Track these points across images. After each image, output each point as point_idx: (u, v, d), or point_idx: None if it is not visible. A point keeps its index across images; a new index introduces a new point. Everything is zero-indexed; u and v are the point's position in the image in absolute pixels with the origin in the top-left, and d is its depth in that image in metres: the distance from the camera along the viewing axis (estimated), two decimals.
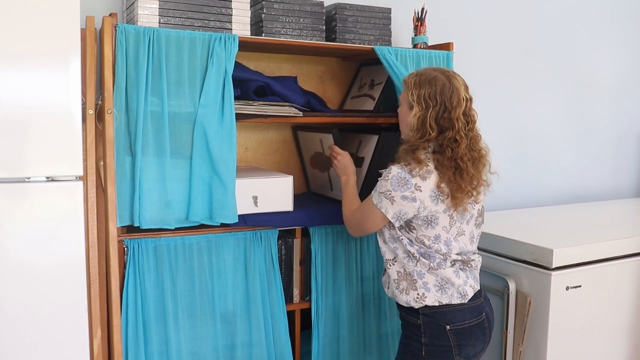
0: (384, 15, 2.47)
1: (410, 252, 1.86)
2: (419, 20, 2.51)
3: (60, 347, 1.66)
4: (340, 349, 2.35)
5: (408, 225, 1.86)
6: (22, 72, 1.55)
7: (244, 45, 2.17)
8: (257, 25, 2.26)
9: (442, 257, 1.84)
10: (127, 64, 1.90)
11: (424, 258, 1.85)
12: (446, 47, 2.47)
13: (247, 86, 2.20)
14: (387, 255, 1.93)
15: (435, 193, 1.80)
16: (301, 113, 2.22)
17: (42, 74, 1.57)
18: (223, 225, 2.09)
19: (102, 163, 1.91)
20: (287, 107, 2.19)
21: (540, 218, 3.08)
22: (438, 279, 1.85)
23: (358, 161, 2.36)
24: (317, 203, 2.43)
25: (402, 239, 1.87)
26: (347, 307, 2.35)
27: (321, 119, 2.32)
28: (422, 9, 2.51)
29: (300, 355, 2.38)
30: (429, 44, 2.53)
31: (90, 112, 1.85)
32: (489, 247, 2.56)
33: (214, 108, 2.01)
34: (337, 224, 2.31)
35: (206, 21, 2.09)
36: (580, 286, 2.41)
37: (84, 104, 1.78)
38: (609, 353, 2.60)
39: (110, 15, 2.00)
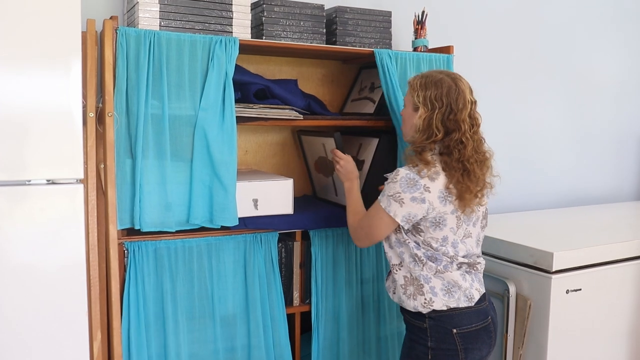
0: (384, 19, 2.47)
1: (417, 256, 1.84)
2: (419, 24, 2.52)
3: (60, 350, 1.66)
4: (340, 352, 2.35)
5: (415, 228, 1.84)
6: (23, 75, 1.56)
7: (245, 48, 2.17)
8: (257, 28, 2.27)
9: (448, 260, 1.83)
10: (127, 66, 1.91)
11: (431, 261, 1.83)
12: (446, 50, 2.48)
13: (247, 89, 2.20)
14: (394, 260, 1.92)
15: (443, 194, 1.79)
16: (301, 116, 2.22)
17: (43, 76, 1.57)
18: (223, 228, 2.09)
19: (102, 166, 1.91)
20: (287, 110, 2.19)
21: (541, 221, 3.08)
22: (445, 283, 1.84)
23: (358, 164, 2.35)
24: (317, 206, 2.43)
25: (409, 243, 1.86)
26: (347, 310, 2.35)
27: (321, 122, 2.32)
28: (423, 12, 2.52)
29: (300, 358, 2.38)
30: (429, 47, 2.53)
31: (91, 114, 1.85)
32: (490, 250, 2.55)
33: (214, 111, 2.01)
34: (337, 226, 2.31)
35: (207, 24, 2.09)
36: (580, 289, 2.41)
37: (84, 107, 1.78)
38: (609, 356, 2.59)
39: (111, 18, 2.01)
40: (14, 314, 1.60)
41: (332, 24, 2.42)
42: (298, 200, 2.43)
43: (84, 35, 1.80)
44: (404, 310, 1.95)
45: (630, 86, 3.78)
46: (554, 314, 2.34)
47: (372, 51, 2.30)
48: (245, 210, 2.13)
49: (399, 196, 1.79)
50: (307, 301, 2.34)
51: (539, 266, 2.37)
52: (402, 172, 1.81)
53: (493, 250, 2.55)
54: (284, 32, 2.26)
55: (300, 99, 2.33)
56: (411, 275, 1.87)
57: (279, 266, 2.23)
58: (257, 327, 2.17)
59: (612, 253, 2.52)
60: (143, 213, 1.96)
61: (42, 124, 1.58)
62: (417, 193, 1.78)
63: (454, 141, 1.81)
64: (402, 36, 2.78)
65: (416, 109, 1.86)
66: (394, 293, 1.96)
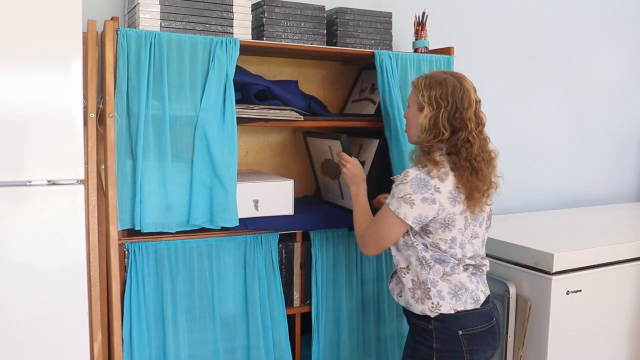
0: (385, 20, 2.47)
1: (425, 259, 1.82)
2: (420, 25, 2.52)
3: (61, 351, 1.66)
4: (340, 353, 2.35)
5: (424, 230, 1.82)
6: (24, 76, 1.56)
7: (245, 49, 2.17)
8: (258, 29, 2.27)
9: (456, 262, 1.82)
10: (128, 67, 1.91)
11: (438, 264, 1.82)
12: (447, 51, 2.48)
13: (248, 90, 2.21)
14: (401, 264, 1.90)
15: (452, 195, 1.78)
16: (302, 117, 2.22)
17: (44, 77, 1.57)
18: (224, 228, 2.09)
19: (103, 167, 1.91)
20: (287, 111, 2.20)
21: (541, 222, 3.08)
22: (451, 286, 1.82)
23: None
24: (317, 207, 2.43)
25: (417, 245, 1.83)
26: (347, 311, 2.35)
27: (322, 123, 2.32)
28: (423, 13, 2.52)
29: (300, 358, 2.38)
30: (430, 49, 2.53)
31: (92, 115, 1.85)
32: (490, 251, 2.55)
33: (215, 112, 2.01)
34: (337, 227, 2.31)
35: (207, 25, 2.09)
36: (580, 291, 2.41)
37: (85, 108, 1.78)
38: (610, 357, 2.59)
39: (111, 19, 2.01)
40: (15, 315, 1.60)
41: (332, 25, 2.42)
42: (298, 201, 2.43)
43: (85, 36, 1.80)
44: (408, 312, 1.93)
45: (630, 87, 3.78)
46: (554, 315, 2.34)
47: (373, 52, 2.31)
48: (245, 211, 2.13)
49: (410, 197, 1.77)
50: (308, 302, 2.34)
51: (539, 267, 2.37)
52: (412, 173, 1.79)
53: (493, 252, 2.55)
54: (285, 33, 2.26)
55: (300, 99, 2.33)
56: (418, 278, 1.85)
57: (279, 267, 2.24)
58: (257, 328, 2.17)
59: (613, 254, 2.52)
60: (143, 214, 1.96)
61: (43, 124, 1.58)
62: (427, 194, 1.76)
63: (461, 140, 1.80)
64: (402, 37, 2.78)
65: (421, 109, 1.85)
66: (400, 296, 1.94)
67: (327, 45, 2.38)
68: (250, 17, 2.17)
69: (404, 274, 1.89)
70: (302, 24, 2.29)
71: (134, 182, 1.95)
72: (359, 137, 2.48)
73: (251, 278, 2.16)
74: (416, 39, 2.53)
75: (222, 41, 2.01)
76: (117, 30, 1.89)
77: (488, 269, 1.94)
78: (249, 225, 2.14)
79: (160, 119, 1.95)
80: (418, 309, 1.86)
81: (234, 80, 2.04)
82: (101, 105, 1.91)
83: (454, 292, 1.83)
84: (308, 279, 2.32)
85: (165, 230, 2.01)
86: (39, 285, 1.62)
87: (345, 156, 2.08)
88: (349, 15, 2.41)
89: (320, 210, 2.36)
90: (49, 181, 1.61)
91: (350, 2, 2.58)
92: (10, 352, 1.60)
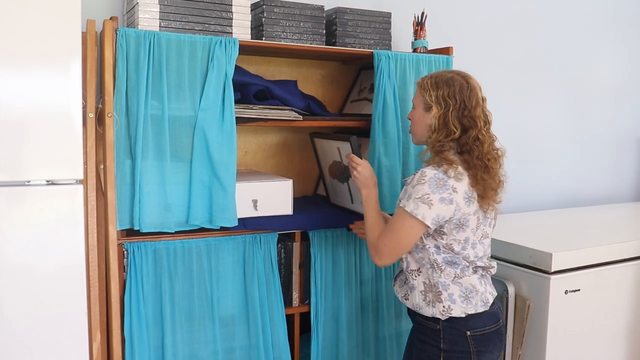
0: (384, 20, 2.47)
1: (436, 262, 1.80)
2: (419, 25, 2.52)
3: (60, 351, 1.66)
4: (339, 353, 2.35)
5: (437, 231, 1.79)
6: (23, 75, 1.56)
7: (244, 49, 2.17)
8: (257, 29, 2.27)
9: (467, 264, 1.81)
10: (127, 67, 1.91)
11: (449, 267, 1.80)
12: (446, 51, 2.48)
13: (247, 90, 2.21)
14: (412, 266, 1.87)
15: (467, 194, 1.77)
16: (301, 117, 2.22)
17: (42, 77, 1.57)
18: (223, 228, 2.09)
19: (102, 166, 1.91)
20: (287, 111, 2.20)
21: (539, 222, 3.09)
22: (462, 289, 1.81)
23: None
24: (317, 207, 2.43)
25: (429, 248, 1.81)
26: (346, 311, 2.35)
27: (321, 123, 2.33)
28: (422, 13, 2.52)
29: (299, 358, 2.38)
30: (429, 48, 2.53)
31: (91, 115, 1.85)
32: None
33: (214, 112, 2.01)
34: (336, 227, 2.31)
35: (207, 25, 2.09)
36: (579, 290, 2.41)
37: (84, 108, 1.78)
38: (608, 356, 2.60)
39: (110, 18, 2.01)
40: (14, 315, 1.60)
41: (331, 25, 2.42)
42: (297, 201, 2.43)
43: (84, 36, 1.80)
44: (415, 312, 1.90)
45: (629, 88, 3.79)
46: (552, 314, 2.34)
47: (372, 52, 2.31)
48: (244, 210, 2.13)
49: (428, 197, 1.73)
50: (307, 302, 2.34)
51: (537, 267, 2.38)
52: (430, 173, 1.75)
53: (492, 251, 2.52)
54: (284, 33, 2.26)
55: (299, 99, 2.33)
56: (429, 281, 1.83)
57: (278, 267, 2.24)
58: (256, 328, 2.17)
59: (611, 254, 2.53)
60: (142, 214, 1.96)
61: (42, 124, 1.58)
62: (445, 194, 1.74)
63: (471, 138, 1.79)
64: (401, 37, 2.78)
65: (428, 109, 1.84)
66: (407, 299, 1.91)
67: (326, 45, 2.38)
68: (249, 17, 2.17)
69: (415, 276, 1.86)
70: (302, 24, 2.29)
71: (133, 182, 1.95)
72: (358, 137, 2.48)
73: (250, 278, 2.16)
74: (415, 39, 2.53)
75: (221, 41, 2.01)
76: (116, 30, 1.89)
77: (495, 271, 1.92)
78: (248, 225, 2.14)
79: (159, 118, 1.95)
80: (429, 311, 1.83)
81: (233, 80, 2.04)
82: (100, 105, 1.91)
83: (465, 295, 1.81)
84: (307, 279, 2.32)
85: (164, 230, 2.01)
86: (38, 286, 1.62)
87: (356, 158, 2.00)
88: (348, 15, 2.41)
89: (319, 210, 2.36)
90: (47, 181, 1.61)
91: (349, 2, 2.58)
92: (9, 352, 1.60)
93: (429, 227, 1.76)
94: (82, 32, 1.66)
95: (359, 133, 2.49)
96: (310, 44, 2.31)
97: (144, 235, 2.01)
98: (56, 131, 1.60)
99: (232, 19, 2.13)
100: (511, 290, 2.42)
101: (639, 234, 2.76)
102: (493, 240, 2.53)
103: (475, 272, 1.83)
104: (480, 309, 1.82)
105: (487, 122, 1.84)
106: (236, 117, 2.05)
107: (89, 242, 1.83)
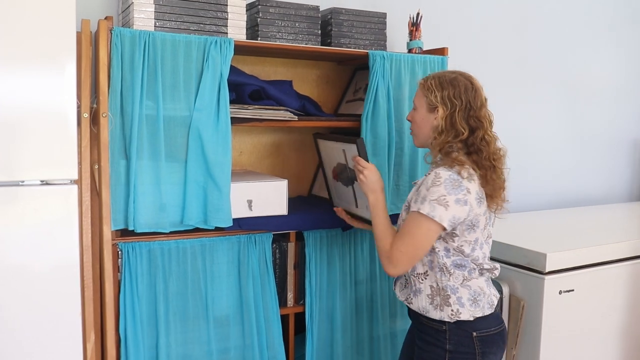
0: (379, 20, 2.47)
1: (445, 266, 1.78)
2: (414, 25, 2.52)
3: (54, 352, 1.65)
4: (333, 353, 2.36)
5: (450, 233, 1.77)
6: (17, 75, 1.55)
7: (240, 49, 2.17)
8: (252, 29, 2.27)
9: (474, 266, 1.80)
10: (122, 67, 1.90)
11: (457, 269, 1.78)
12: (441, 52, 2.49)
13: (242, 90, 2.20)
14: (418, 270, 1.83)
15: (479, 195, 1.76)
16: (296, 117, 2.22)
17: (37, 76, 1.57)
18: (217, 228, 2.09)
19: (96, 166, 1.91)
20: (282, 111, 2.20)
21: (533, 222, 3.10)
22: (471, 292, 1.79)
23: None
24: (312, 207, 2.43)
25: (438, 251, 1.78)
26: (340, 311, 2.36)
27: (316, 123, 2.33)
28: (418, 14, 2.52)
29: (294, 358, 2.38)
30: (424, 49, 2.54)
31: (85, 115, 1.84)
32: None
33: (209, 112, 2.01)
34: (331, 227, 2.31)
35: (202, 25, 2.09)
36: (573, 290, 2.42)
37: (78, 107, 1.78)
38: (602, 356, 2.61)
39: (105, 18, 2.00)
40: (7, 315, 1.60)
41: (327, 25, 2.42)
42: (292, 201, 2.43)
43: (79, 36, 1.80)
44: (419, 313, 1.87)
45: (625, 89, 3.80)
46: (547, 314, 2.35)
47: (367, 53, 2.31)
48: (239, 211, 2.13)
49: (444, 199, 1.70)
50: (301, 302, 2.34)
51: (532, 267, 2.38)
52: (445, 174, 1.73)
53: None
54: (279, 33, 2.26)
55: (295, 100, 2.33)
56: (437, 285, 1.80)
57: (273, 267, 2.24)
58: (250, 328, 2.17)
59: (605, 254, 2.54)
60: (137, 214, 1.95)
61: (36, 124, 1.58)
62: (460, 195, 1.72)
63: (479, 139, 1.78)
64: (397, 38, 2.79)
65: (432, 110, 1.82)
66: (410, 303, 1.87)
67: (321, 45, 2.38)
68: (244, 17, 2.16)
69: (421, 280, 1.83)
70: (297, 24, 2.29)
71: (127, 182, 1.95)
72: (352, 137, 2.48)
73: (245, 278, 2.16)
74: (410, 40, 2.53)
75: (216, 41, 2.01)
76: (111, 30, 1.89)
77: (499, 272, 1.89)
78: (243, 225, 2.14)
79: (154, 119, 1.95)
80: (436, 315, 1.80)
81: (228, 80, 2.03)
82: (95, 105, 1.91)
83: (473, 298, 1.79)
84: (302, 279, 2.33)
85: (159, 231, 2.00)
86: (32, 286, 1.62)
87: (362, 161, 1.93)
88: (344, 15, 2.41)
89: (314, 210, 2.36)
90: (42, 181, 1.61)
91: (344, 3, 2.58)
92: (2, 353, 1.60)
93: (445, 229, 1.73)
94: (77, 32, 1.66)
95: (353, 133, 2.50)
96: (306, 44, 2.31)
97: (138, 236, 2.00)
98: (50, 131, 1.59)
99: (227, 19, 2.13)
100: (505, 290, 2.42)
101: (633, 235, 2.77)
102: None
103: (481, 274, 1.82)
104: (487, 312, 1.81)
105: (490, 123, 1.84)
106: (231, 117, 2.05)
107: (83, 243, 1.83)
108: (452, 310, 1.78)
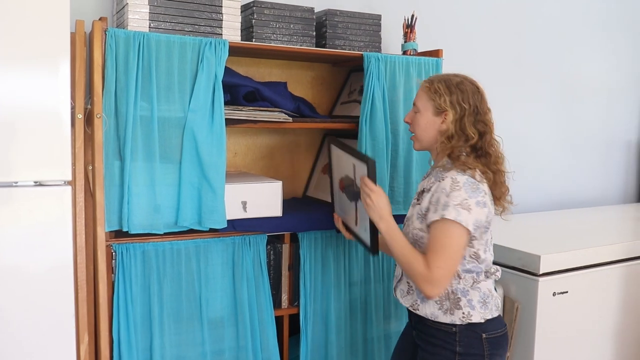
0: (374, 22, 2.48)
1: (457, 271, 1.76)
2: (409, 27, 2.53)
3: (47, 353, 1.65)
4: (328, 354, 2.35)
5: (470, 238, 1.74)
6: (11, 75, 1.55)
7: (234, 51, 2.17)
8: (247, 30, 2.27)
9: (483, 268, 1.79)
10: (116, 68, 1.90)
11: (467, 273, 1.77)
12: (435, 53, 2.49)
13: (237, 91, 2.20)
14: None
15: (491, 198, 1.78)
16: (291, 119, 2.22)
17: (31, 77, 1.56)
18: (212, 230, 2.09)
19: (90, 167, 1.90)
20: (276, 113, 2.20)
21: (528, 224, 3.10)
22: (481, 294, 1.78)
23: None
24: (306, 208, 2.43)
25: None
26: (335, 313, 2.36)
27: (310, 124, 2.33)
28: (412, 16, 2.53)
29: None
30: (419, 51, 2.54)
31: (79, 116, 1.84)
32: None
33: (203, 113, 2.01)
34: (326, 229, 2.31)
35: (196, 26, 2.09)
36: (567, 292, 2.42)
37: (72, 108, 1.77)
38: (596, 358, 2.62)
39: (100, 19, 2.00)
40: (0, 316, 1.59)
41: (322, 26, 2.42)
42: (287, 203, 2.43)
43: (73, 36, 1.79)
44: (425, 318, 1.83)
45: (619, 91, 3.82)
46: (541, 316, 2.36)
47: (362, 54, 2.31)
48: (234, 212, 2.13)
49: (467, 202, 1.68)
50: (296, 303, 2.34)
51: (526, 269, 2.39)
52: (461, 178, 1.71)
53: None
54: (274, 35, 2.26)
55: (289, 101, 2.33)
56: (447, 289, 1.77)
57: (267, 268, 2.23)
58: (245, 330, 2.16)
59: (599, 256, 2.54)
60: (131, 215, 1.95)
61: (30, 124, 1.57)
62: (480, 197, 1.71)
63: (487, 143, 1.78)
64: (391, 39, 2.79)
65: (439, 114, 1.80)
66: (417, 309, 1.83)
67: (316, 47, 2.39)
68: (239, 19, 2.16)
69: None
70: (292, 26, 2.29)
71: (121, 183, 1.94)
72: (347, 139, 2.49)
73: (239, 280, 2.16)
74: (405, 42, 2.53)
75: (211, 42, 2.01)
76: (105, 31, 1.88)
77: (500, 275, 1.89)
78: (237, 226, 2.14)
79: (148, 120, 1.95)
80: (447, 319, 1.77)
81: (222, 81, 2.03)
82: (89, 106, 1.90)
83: (483, 300, 1.78)
84: (296, 281, 2.32)
85: (153, 232, 2.00)
86: (26, 287, 1.61)
87: (370, 184, 1.80)
88: (338, 17, 2.41)
89: (309, 212, 2.36)
90: (35, 182, 1.60)
91: (339, 4, 2.59)
92: None
93: (470, 232, 1.69)
94: (71, 33, 1.66)
95: (348, 135, 2.50)
96: (300, 45, 2.31)
97: (132, 237, 1.99)
98: (44, 132, 1.59)
99: (222, 20, 2.12)
100: (500, 292, 2.43)
101: (627, 237, 2.79)
102: None
103: (487, 277, 1.82)
104: (495, 314, 1.81)
105: (493, 127, 1.84)
106: (226, 119, 2.05)
107: (77, 244, 1.83)
108: (463, 313, 1.76)
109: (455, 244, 1.69)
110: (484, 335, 1.76)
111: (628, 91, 3.87)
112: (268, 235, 2.23)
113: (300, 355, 2.31)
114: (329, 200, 2.47)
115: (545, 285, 2.36)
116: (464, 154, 1.78)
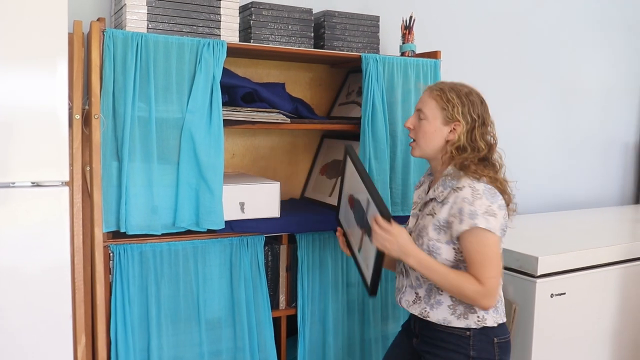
0: (372, 23, 2.48)
1: None
2: (407, 29, 2.53)
3: (44, 354, 1.64)
4: (325, 355, 2.35)
5: None
6: (9, 76, 1.54)
7: (233, 52, 2.17)
8: (245, 31, 2.27)
9: None
10: (114, 69, 1.90)
11: None
12: (433, 55, 2.49)
13: (235, 92, 2.20)
14: None
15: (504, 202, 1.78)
16: (289, 120, 2.22)
17: (28, 78, 1.56)
18: (210, 231, 2.09)
19: (88, 168, 1.90)
20: (274, 114, 2.20)
21: (525, 225, 3.10)
22: None
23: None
24: (304, 209, 2.43)
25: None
26: (332, 314, 2.35)
27: (309, 125, 2.33)
28: (410, 17, 2.53)
29: None
30: (417, 52, 2.54)
31: (77, 116, 1.84)
32: None
33: (201, 114, 2.01)
34: (324, 230, 2.31)
35: (194, 27, 2.09)
36: (564, 293, 2.42)
37: (70, 109, 1.77)
38: (593, 359, 2.62)
39: (98, 19, 2.00)
40: None
41: (320, 28, 2.43)
42: (285, 204, 2.43)
43: (71, 37, 1.79)
44: (434, 323, 1.79)
45: (616, 93, 3.82)
46: (538, 317, 2.35)
47: (360, 55, 2.31)
48: (231, 213, 2.13)
49: (491, 208, 1.68)
50: (293, 304, 2.34)
51: (524, 270, 2.39)
52: (479, 185, 1.70)
53: None
54: (272, 36, 2.26)
55: (287, 102, 2.33)
56: None
57: (265, 269, 2.23)
58: (242, 331, 2.16)
59: (596, 257, 2.54)
60: (129, 216, 1.95)
61: (28, 125, 1.57)
62: (500, 201, 1.71)
63: (494, 154, 1.80)
64: (389, 41, 2.79)
65: (447, 123, 1.77)
66: (427, 316, 1.78)
67: (314, 48, 2.39)
68: (237, 20, 2.16)
69: (441, 291, 1.76)
70: (290, 27, 2.29)
71: (119, 184, 1.94)
72: (345, 140, 2.49)
73: (237, 281, 2.16)
74: (403, 43, 2.53)
75: (209, 43, 2.01)
76: (103, 31, 1.88)
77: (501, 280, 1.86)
78: (235, 227, 2.14)
79: (146, 120, 1.95)
80: (461, 324, 1.75)
81: (220, 82, 2.03)
82: (87, 107, 1.90)
83: (495, 304, 1.75)
84: (294, 282, 2.32)
85: (151, 233, 2.00)
86: (23, 288, 1.61)
87: (385, 224, 1.66)
88: (337, 18, 2.41)
89: (307, 213, 2.36)
90: (33, 183, 1.60)
91: (338, 6, 2.59)
92: None
93: (501, 238, 1.71)
94: (69, 33, 1.66)
95: (347, 136, 2.50)
96: (299, 46, 2.31)
97: (130, 238, 1.99)
98: (42, 132, 1.59)
99: (220, 21, 2.13)
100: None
101: (624, 238, 2.79)
102: None
103: None
104: (504, 318, 1.81)
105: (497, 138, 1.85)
106: (224, 120, 2.05)
107: (75, 244, 1.82)
108: (478, 317, 1.75)
109: (495, 251, 1.68)
110: (495, 340, 1.76)
111: (626, 93, 3.87)
112: (266, 236, 2.23)
113: (298, 356, 2.31)
114: (327, 202, 2.48)
115: (542, 287, 2.35)
116: (474, 162, 1.77)
